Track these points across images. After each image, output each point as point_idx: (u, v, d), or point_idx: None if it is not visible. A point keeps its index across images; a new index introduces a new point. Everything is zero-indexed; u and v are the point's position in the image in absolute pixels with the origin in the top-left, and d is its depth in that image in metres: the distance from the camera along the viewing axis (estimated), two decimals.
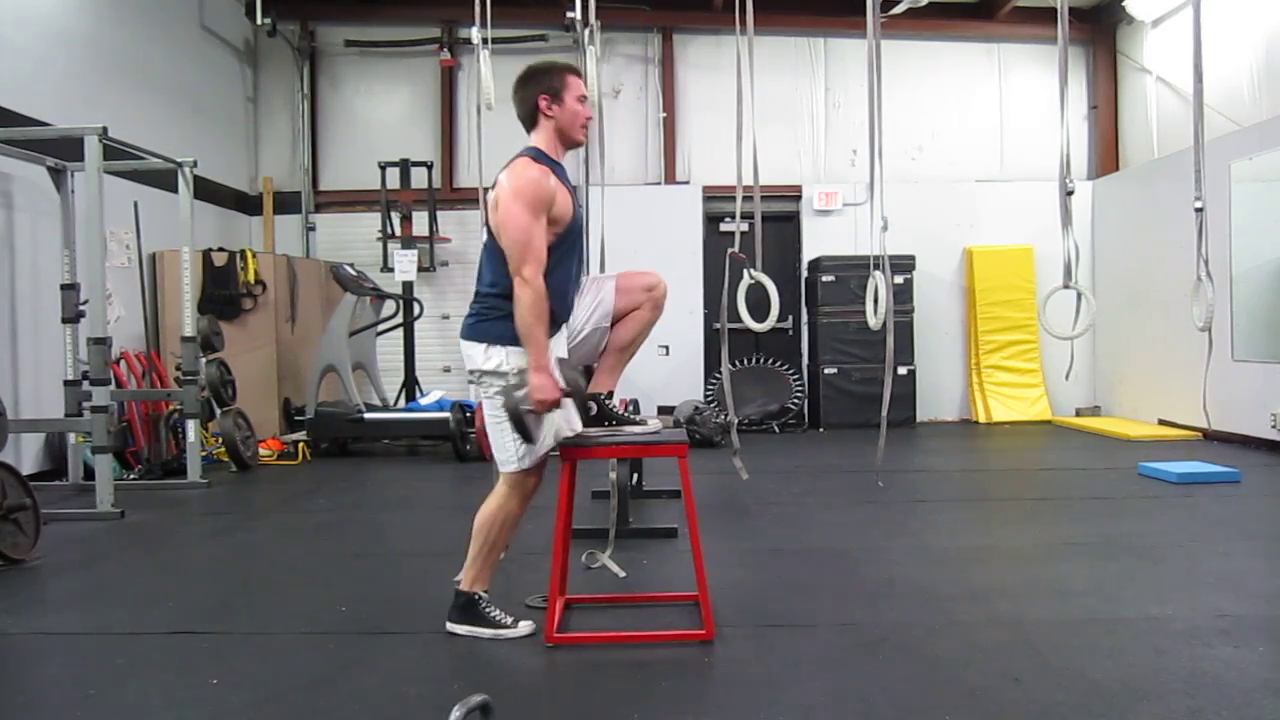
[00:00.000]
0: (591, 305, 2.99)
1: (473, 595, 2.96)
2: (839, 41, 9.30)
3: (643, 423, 3.06)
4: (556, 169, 2.88)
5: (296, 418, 7.70)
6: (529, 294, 2.70)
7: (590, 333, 3.01)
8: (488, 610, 2.96)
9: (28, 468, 5.89)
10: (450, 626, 2.97)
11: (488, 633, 2.93)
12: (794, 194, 9.23)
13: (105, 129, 5.04)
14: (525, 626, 2.96)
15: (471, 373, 2.92)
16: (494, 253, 2.85)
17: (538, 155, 2.85)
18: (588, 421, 3.02)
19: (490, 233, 2.87)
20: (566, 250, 2.90)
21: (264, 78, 9.47)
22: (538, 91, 2.88)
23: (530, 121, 2.93)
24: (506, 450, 2.88)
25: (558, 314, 2.88)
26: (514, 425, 2.75)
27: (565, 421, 2.92)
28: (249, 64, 9.33)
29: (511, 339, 2.79)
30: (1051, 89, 8.86)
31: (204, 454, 6.39)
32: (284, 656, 2.88)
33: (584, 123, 2.94)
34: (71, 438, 5.99)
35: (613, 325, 3.04)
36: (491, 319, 2.85)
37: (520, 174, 2.78)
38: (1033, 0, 8.76)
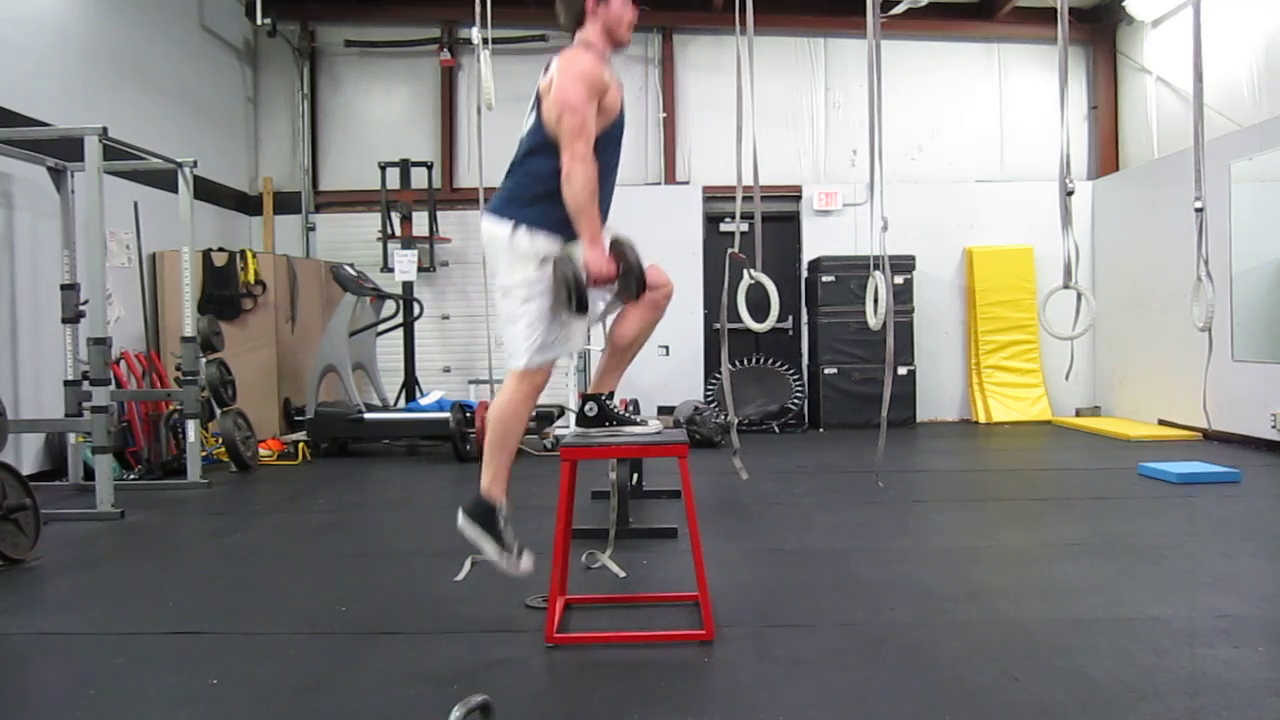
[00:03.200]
0: None
1: (493, 505, 2.90)
2: (839, 41, 9.30)
3: (643, 423, 3.06)
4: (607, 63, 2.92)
5: (296, 418, 7.70)
6: (583, 170, 2.72)
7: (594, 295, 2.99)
8: (502, 527, 2.89)
9: (28, 468, 5.89)
10: (461, 519, 2.90)
11: (491, 549, 2.87)
12: (794, 194, 9.23)
13: (105, 129, 5.04)
14: (527, 561, 2.91)
15: (492, 260, 2.89)
16: (537, 137, 2.85)
17: (589, 46, 2.90)
18: (588, 421, 3.01)
19: (537, 120, 2.86)
20: (608, 148, 2.91)
21: (264, 78, 9.47)
22: None
23: (576, 22, 2.95)
24: (520, 345, 2.85)
25: (603, 207, 2.90)
26: (568, 297, 2.72)
27: (584, 324, 2.92)
28: (249, 64, 9.34)
29: (543, 224, 2.80)
30: (1051, 89, 8.86)
31: (204, 454, 6.39)
32: (284, 656, 2.88)
33: (629, 21, 2.97)
34: (71, 438, 5.99)
35: (614, 321, 3.03)
36: (524, 200, 2.84)
37: (578, 57, 2.83)
38: (1033, 0, 8.76)
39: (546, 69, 2.89)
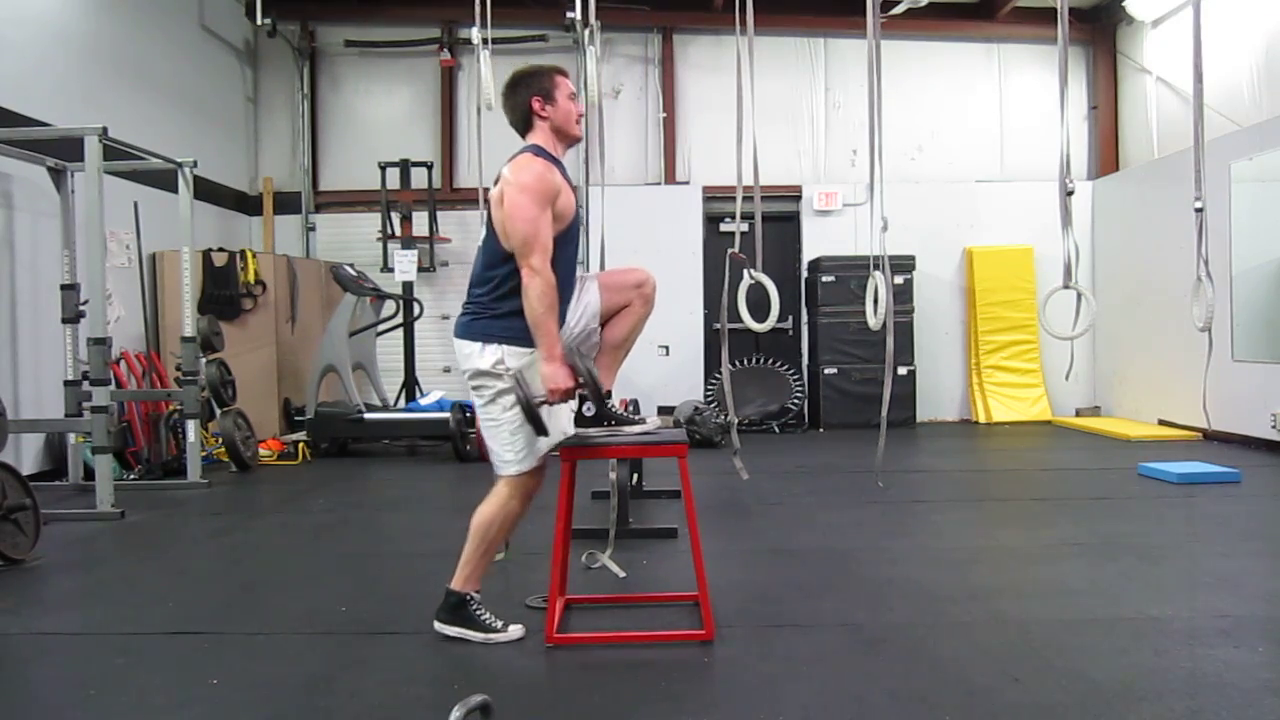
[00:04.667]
0: (580, 307, 2.99)
1: (464, 596, 2.94)
2: (839, 41, 9.30)
3: (642, 423, 3.06)
4: (559, 165, 2.90)
5: (296, 418, 7.70)
6: (539, 283, 2.71)
7: (581, 334, 3.00)
8: (478, 612, 2.94)
9: (28, 468, 5.89)
10: (439, 626, 2.95)
11: (478, 636, 2.91)
12: (794, 194, 9.23)
13: (105, 129, 5.04)
14: (515, 630, 2.94)
15: (466, 373, 2.90)
16: (491, 251, 2.85)
17: (540, 151, 2.87)
18: (588, 422, 3.02)
19: (489, 230, 2.86)
20: (565, 247, 2.90)
21: (264, 78, 9.47)
22: (529, 95, 2.91)
23: (525, 125, 2.94)
24: (506, 453, 2.87)
25: (563, 306, 2.88)
26: (527, 418, 2.72)
27: (566, 422, 2.92)
28: (249, 64, 9.34)
29: (507, 337, 2.80)
30: (1051, 89, 8.88)
31: (204, 454, 6.39)
32: (284, 656, 2.88)
33: (578, 118, 2.96)
34: (71, 438, 5.99)
35: (603, 325, 3.03)
36: (486, 317, 2.84)
37: (526, 167, 2.80)
38: (1033, 0, 8.76)
39: (497, 180, 2.86)
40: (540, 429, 2.76)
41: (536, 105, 2.90)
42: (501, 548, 3.22)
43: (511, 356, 2.80)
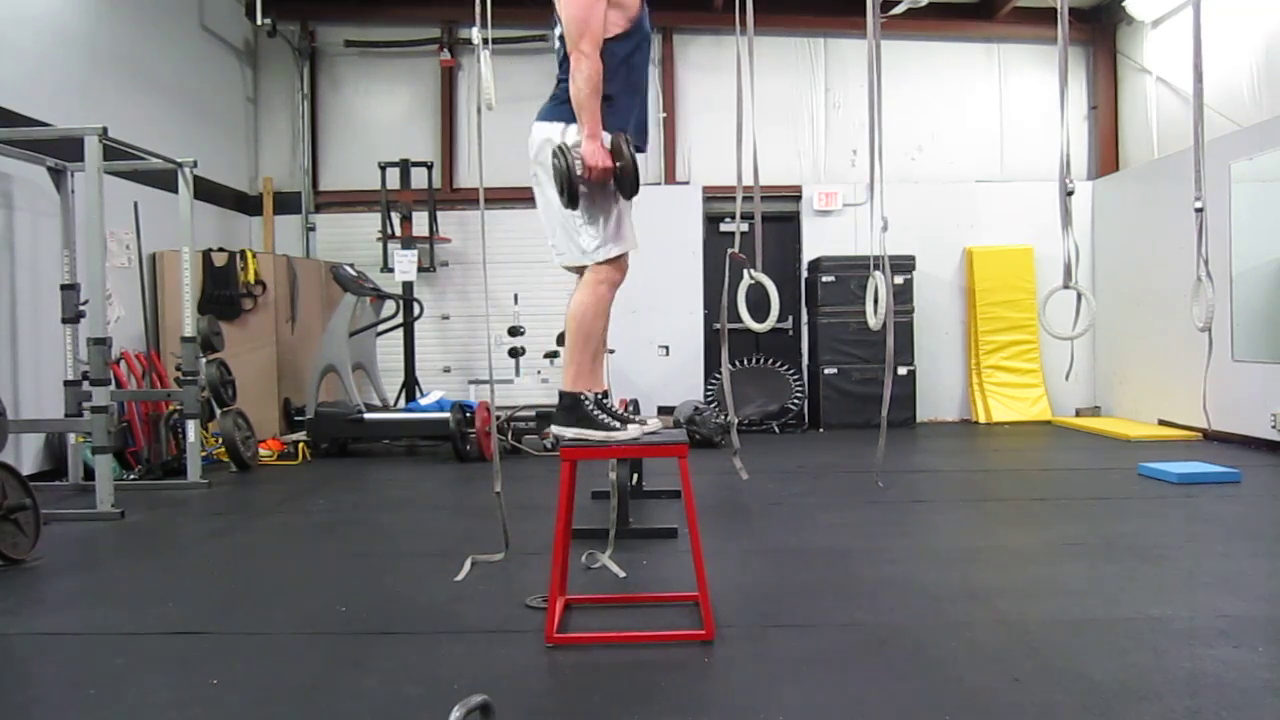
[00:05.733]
0: None
1: (578, 396, 2.91)
2: (839, 41, 9.31)
3: (642, 423, 3.06)
4: None
5: (296, 418, 7.71)
6: (586, 66, 2.80)
7: None
8: (594, 411, 2.91)
9: (28, 468, 5.89)
10: (556, 429, 2.93)
11: (597, 435, 2.88)
12: (794, 194, 9.24)
13: (105, 129, 5.04)
14: (634, 429, 2.89)
15: (539, 159, 2.94)
16: (564, 44, 2.92)
17: None
18: (563, 417, 2.99)
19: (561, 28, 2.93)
20: (635, 49, 2.95)
21: (264, 78, 9.47)
22: None
23: None
24: (588, 240, 2.88)
25: (636, 122, 2.96)
26: (564, 186, 2.80)
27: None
28: (249, 64, 9.34)
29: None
30: (1051, 89, 8.88)
31: (204, 454, 6.39)
32: (284, 656, 2.88)
33: None
34: (71, 438, 5.99)
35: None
36: (569, 103, 2.90)
37: None
38: (1033, 0, 8.76)
39: None
40: (573, 201, 2.83)
41: None
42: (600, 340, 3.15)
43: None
